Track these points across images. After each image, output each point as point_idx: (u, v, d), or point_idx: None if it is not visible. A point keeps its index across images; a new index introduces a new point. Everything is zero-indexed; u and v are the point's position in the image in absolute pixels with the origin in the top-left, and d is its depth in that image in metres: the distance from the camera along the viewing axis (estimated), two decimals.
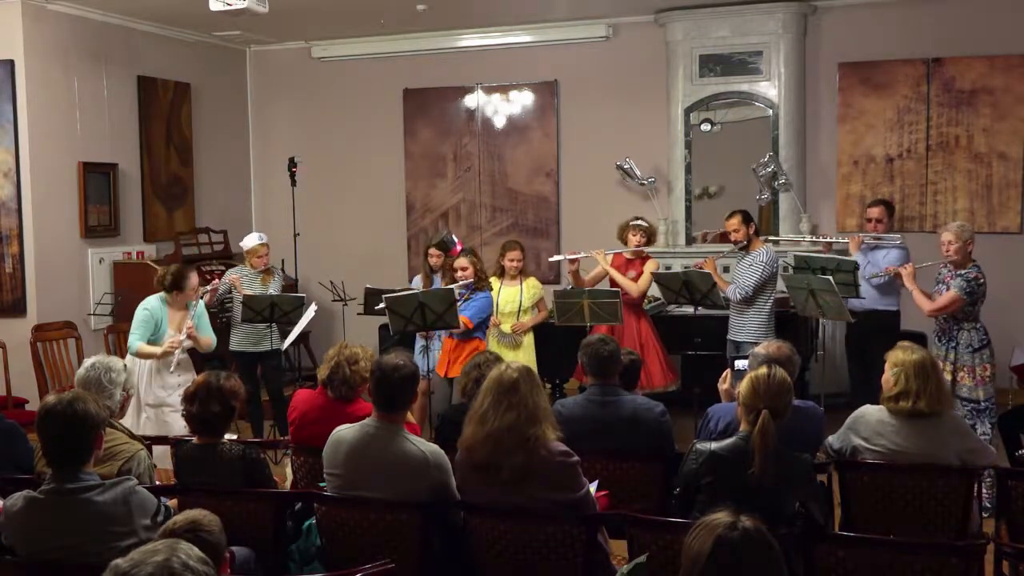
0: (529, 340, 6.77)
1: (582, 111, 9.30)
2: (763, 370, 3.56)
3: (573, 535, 3.41)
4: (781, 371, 3.58)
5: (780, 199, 8.51)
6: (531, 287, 6.80)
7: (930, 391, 3.91)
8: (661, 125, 8.92)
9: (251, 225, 9.85)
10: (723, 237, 7.17)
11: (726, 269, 6.92)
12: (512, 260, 6.76)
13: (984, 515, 4.76)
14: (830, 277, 6.06)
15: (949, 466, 3.88)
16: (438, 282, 7.00)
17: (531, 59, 9.45)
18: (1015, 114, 8.08)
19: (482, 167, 9.71)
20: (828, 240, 7.51)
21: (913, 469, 3.88)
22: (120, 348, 7.16)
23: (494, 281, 6.77)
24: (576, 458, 3.55)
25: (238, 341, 7.09)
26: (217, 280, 7.11)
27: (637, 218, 6.95)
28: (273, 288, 7.15)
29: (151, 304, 5.98)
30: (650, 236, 6.90)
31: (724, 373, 4.47)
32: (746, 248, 6.49)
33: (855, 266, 6.35)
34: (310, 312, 7.01)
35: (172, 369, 5.86)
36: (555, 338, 6.82)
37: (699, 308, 6.56)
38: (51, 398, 3.21)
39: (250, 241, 7.27)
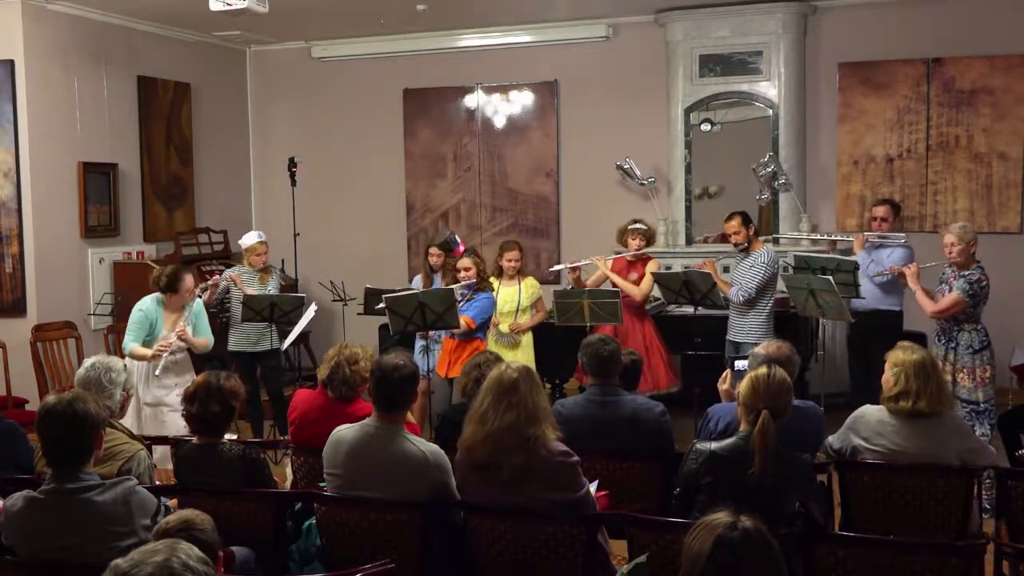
0: (528, 340, 6.77)
1: (582, 111, 9.30)
2: (763, 370, 3.56)
3: (573, 535, 3.41)
4: (781, 371, 3.58)
5: (780, 199, 8.51)
6: (529, 287, 6.80)
7: (930, 391, 3.91)
8: (661, 125, 8.92)
9: (251, 225, 9.83)
10: (723, 238, 7.18)
11: (726, 269, 6.92)
12: (510, 260, 6.76)
13: (984, 515, 4.76)
14: (830, 277, 6.06)
15: (949, 466, 3.88)
16: (438, 282, 6.99)
17: (531, 59, 9.45)
18: (1015, 114, 8.08)
19: (482, 167, 9.71)
20: (833, 239, 7.49)
21: (913, 469, 3.88)
22: (120, 348, 7.16)
23: (492, 281, 6.76)
24: (576, 458, 3.55)
25: (236, 341, 7.09)
26: (217, 276, 7.10)
27: (635, 221, 6.94)
28: (271, 286, 7.15)
29: (145, 305, 5.98)
30: (649, 238, 6.90)
31: (724, 373, 4.47)
32: (747, 250, 6.48)
33: (855, 266, 6.35)
34: (310, 312, 7.01)
35: (157, 372, 5.81)
36: (555, 338, 6.82)
37: (699, 308, 6.56)
38: (51, 398, 3.21)
39: (248, 239, 7.27)
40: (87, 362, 4.29)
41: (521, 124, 9.56)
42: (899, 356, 4.00)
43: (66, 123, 8.02)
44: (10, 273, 7.74)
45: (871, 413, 4.06)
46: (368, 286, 7.54)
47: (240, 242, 7.43)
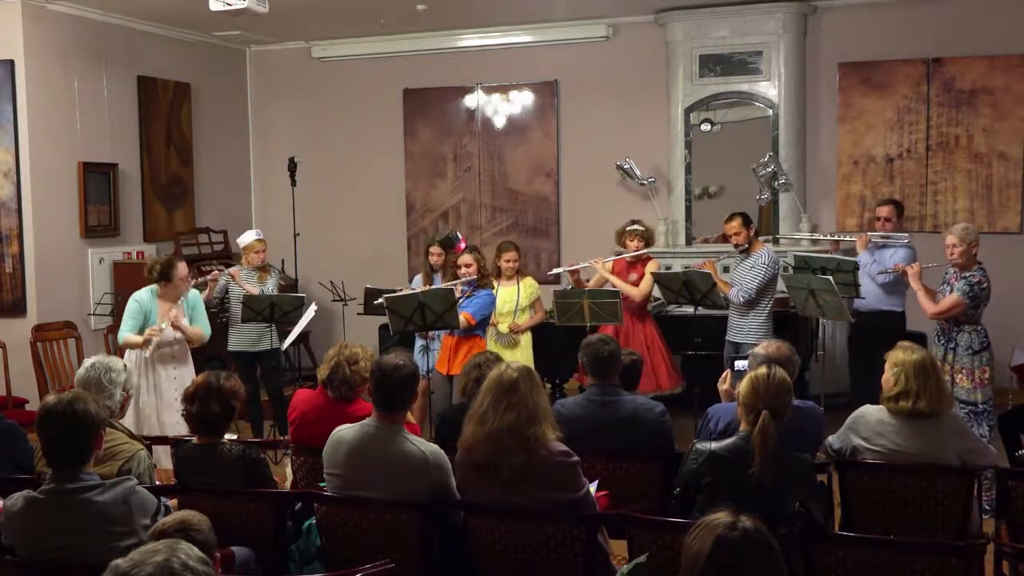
0: (527, 340, 6.77)
1: (582, 111, 9.30)
2: (763, 370, 3.56)
3: (573, 535, 3.40)
4: (781, 371, 3.58)
5: (780, 199, 8.52)
6: (528, 287, 6.80)
7: (930, 391, 3.91)
8: (661, 125, 8.92)
9: (251, 225, 9.83)
10: (723, 239, 7.17)
11: (726, 269, 6.92)
12: (508, 261, 6.76)
13: (984, 516, 4.76)
14: (830, 277, 6.06)
15: (949, 466, 3.88)
16: (438, 282, 6.99)
17: (531, 59, 9.45)
18: (1015, 114, 8.08)
19: (482, 167, 9.71)
20: (836, 239, 7.48)
21: (913, 469, 3.88)
22: (120, 349, 7.16)
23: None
24: (576, 458, 3.55)
25: (236, 341, 7.09)
26: (216, 272, 7.09)
27: (633, 222, 6.94)
28: (270, 284, 7.15)
29: (141, 296, 6.02)
30: (647, 239, 6.89)
31: (724, 373, 4.47)
32: (747, 250, 6.48)
33: (855, 266, 6.35)
34: (310, 312, 7.01)
35: (147, 355, 5.86)
36: (555, 338, 6.81)
37: (699, 308, 6.56)
38: (51, 398, 3.20)
39: (247, 238, 7.28)
40: (87, 362, 4.29)
41: (521, 124, 9.56)
42: (899, 356, 4.00)
43: (66, 123, 8.02)
44: (10, 273, 7.74)
45: (871, 413, 4.06)
46: (368, 286, 7.54)
47: (238, 241, 7.44)
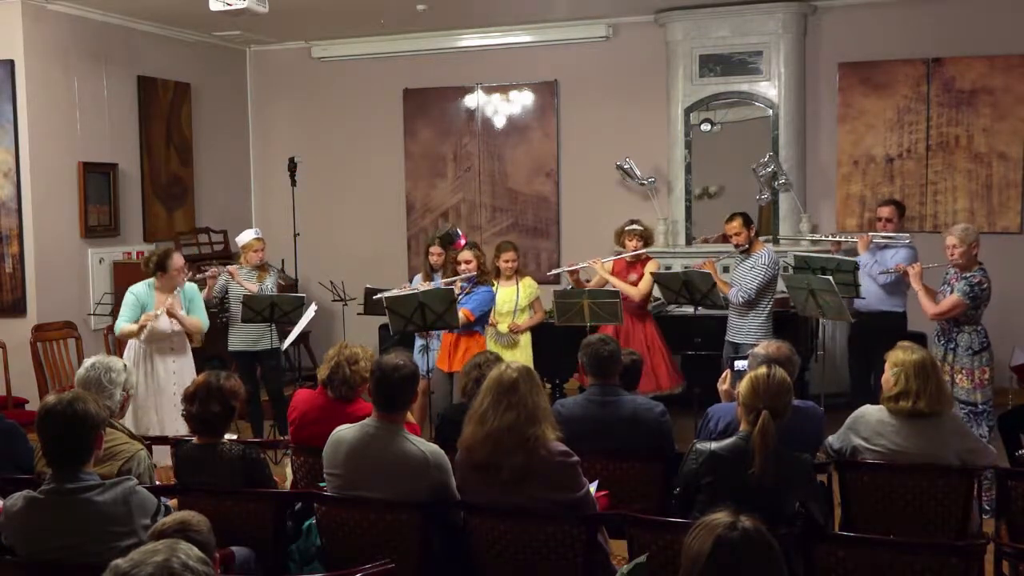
0: (526, 339, 6.78)
1: (582, 111, 9.30)
2: (763, 370, 3.56)
3: (573, 535, 3.40)
4: (781, 371, 3.58)
5: (780, 199, 8.51)
6: (527, 287, 6.80)
7: (930, 391, 3.91)
8: (661, 125, 8.92)
9: (251, 225, 9.83)
10: (724, 239, 7.17)
11: (726, 269, 6.92)
12: (507, 261, 6.77)
13: (984, 516, 4.76)
14: (830, 277, 6.06)
15: (949, 466, 3.87)
16: (439, 282, 6.99)
17: (531, 59, 9.45)
18: (1015, 114, 8.08)
19: (482, 167, 9.71)
20: (837, 239, 7.47)
21: (913, 469, 3.88)
22: (120, 348, 7.16)
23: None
24: (576, 458, 3.55)
25: (236, 341, 7.09)
26: (215, 270, 7.08)
27: (632, 222, 6.94)
28: (269, 283, 7.15)
29: (137, 289, 6.09)
30: (646, 239, 6.89)
31: (724, 373, 4.47)
32: (747, 251, 6.47)
33: (855, 266, 6.35)
34: (310, 312, 7.01)
35: (142, 338, 5.90)
36: (555, 338, 6.81)
37: (699, 308, 6.56)
38: (51, 398, 3.20)
39: (245, 237, 7.29)
40: (87, 362, 4.29)
41: (521, 124, 9.56)
42: (899, 356, 4.00)
43: (66, 123, 8.02)
44: (10, 273, 7.74)
45: (871, 413, 4.06)
46: (368, 286, 7.54)
47: (237, 240, 7.45)
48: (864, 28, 8.47)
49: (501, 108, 9.61)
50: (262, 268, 7.22)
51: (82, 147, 8.13)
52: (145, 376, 5.94)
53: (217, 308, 7.13)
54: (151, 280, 6.10)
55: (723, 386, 4.39)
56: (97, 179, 8.25)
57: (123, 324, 5.99)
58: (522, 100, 9.54)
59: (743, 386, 3.57)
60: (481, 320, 6.53)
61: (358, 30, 9.51)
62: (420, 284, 6.81)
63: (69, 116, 8.04)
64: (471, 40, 9.57)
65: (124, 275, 8.28)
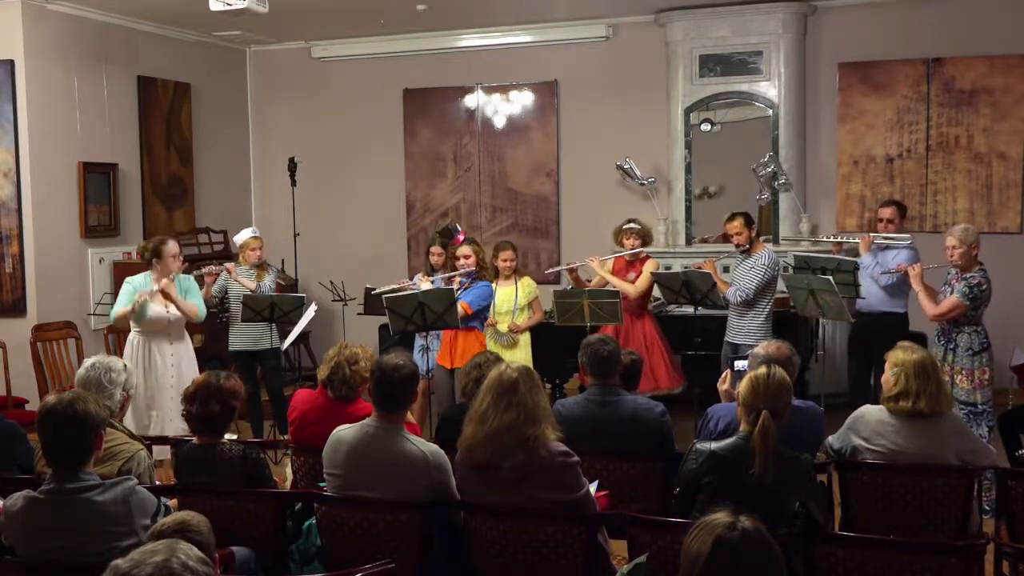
0: (525, 339, 6.78)
1: (582, 111, 9.30)
2: (763, 370, 3.56)
3: (573, 535, 3.40)
4: (781, 371, 3.58)
5: (780, 199, 8.51)
6: (526, 286, 6.80)
7: (930, 391, 3.91)
8: (661, 125, 8.92)
9: (251, 225, 9.84)
10: (724, 238, 7.17)
11: (726, 269, 6.92)
12: (505, 260, 6.77)
13: (984, 516, 4.76)
14: (830, 277, 6.06)
15: (949, 466, 3.87)
16: (439, 280, 6.99)
17: (531, 59, 9.45)
18: (1015, 114, 8.08)
19: (482, 167, 9.71)
20: (839, 240, 7.47)
21: (913, 469, 3.88)
22: (120, 348, 7.16)
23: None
24: (576, 458, 3.55)
25: (236, 341, 7.09)
26: (212, 267, 7.07)
27: (630, 221, 6.94)
28: (267, 282, 7.15)
29: (134, 279, 6.18)
30: (644, 237, 6.89)
31: (724, 373, 4.47)
32: (748, 251, 6.47)
33: (855, 266, 6.34)
34: (310, 312, 7.01)
35: (137, 320, 5.95)
36: (555, 338, 6.81)
37: (699, 308, 6.56)
38: (51, 398, 3.20)
39: (242, 236, 7.30)
40: (87, 362, 4.29)
41: (521, 124, 9.56)
42: (899, 356, 4.00)
43: (66, 123, 8.02)
44: (10, 273, 7.74)
45: (871, 413, 4.06)
46: (368, 286, 7.54)
47: (234, 239, 7.46)
48: (864, 28, 8.47)
49: (501, 108, 9.61)
50: (261, 267, 7.22)
51: (82, 147, 8.13)
52: (144, 372, 5.95)
53: (217, 308, 7.13)
54: (148, 272, 6.17)
55: (723, 386, 4.39)
56: (97, 179, 8.25)
57: (118, 308, 6.07)
58: (522, 100, 9.54)
59: (743, 386, 3.57)
60: (480, 315, 6.54)
61: (358, 30, 9.51)
62: (421, 281, 6.81)
63: (69, 116, 8.04)
64: (471, 40, 9.57)
65: (124, 275, 8.19)
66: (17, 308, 7.72)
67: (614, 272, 6.88)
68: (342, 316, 8.70)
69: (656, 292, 6.94)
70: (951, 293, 5.55)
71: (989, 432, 5.38)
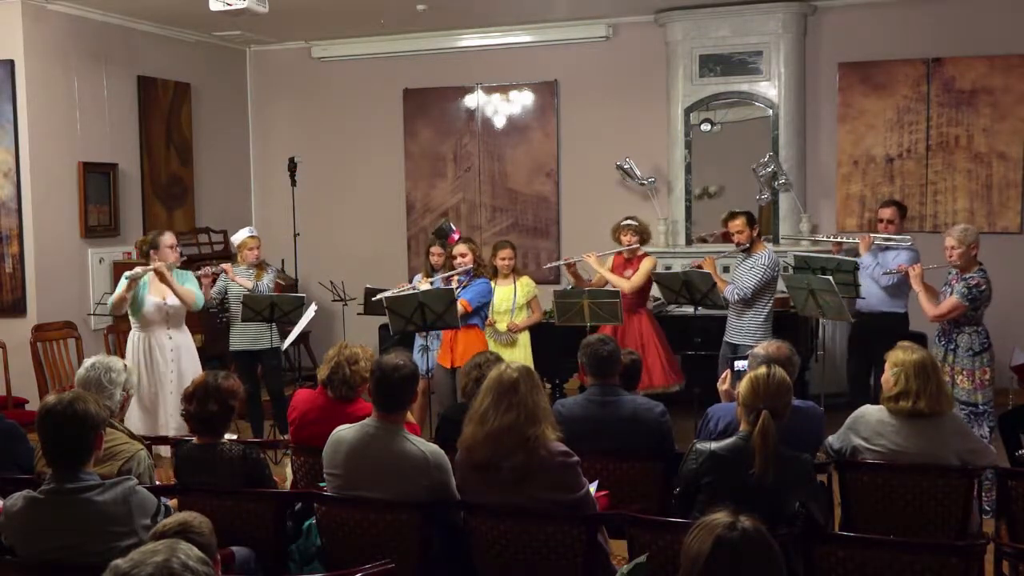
0: (525, 339, 6.78)
1: (582, 111, 9.30)
2: (763, 370, 3.56)
3: (573, 535, 3.40)
4: (781, 371, 3.58)
5: (780, 199, 8.51)
6: (524, 285, 6.81)
7: (930, 391, 3.91)
8: (661, 125, 8.92)
9: (251, 225, 9.84)
10: (724, 237, 7.16)
11: (726, 269, 6.91)
12: (504, 259, 6.78)
13: (984, 516, 4.76)
14: (830, 277, 6.06)
15: (949, 466, 3.87)
16: (438, 280, 6.99)
17: (531, 59, 9.45)
18: (1015, 114, 8.08)
19: (482, 167, 9.71)
20: (839, 240, 7.46)
21: (913, 469, 3.88)
22: (120, 348, 7.17)
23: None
24: (576, 458, 3.55)
25: (237, 340, 7.09)
26: (208, 268, 7.06)
27: (628, 218, 6.95)
28: (266, 281, 7.15)
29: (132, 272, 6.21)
30: (642, 234, 6.89)
31: (724, 373, 4.47)
32: (748, 250, 6.46)
33: (855, 266, 6.34)
34: (310, 312, 7.01)
35: (125, 287, 6.02)
36: (555, 338, 6.81)
37: (699, 308, 6.56)
38: (51, 398, 3.20)
39: (240, 236, 7.31)
40: (87, 362, 4.29)
41: (521, 124, 9.56)
42: (899, 356, 4.00)
43: (66, 123, 8.02)
44: (10, 273, 7.74)
45: (871, 413, 4.06)
46: (368, 286, 7.54)
47: (232, 239, 7.46)
48: (864, 28, 8.47)
49: (501, 108, 9.61)
50: (259, 266, 7.22)
51: (82, 147, 8.13)
52: (145, 370, 5.96)
53: (217, 308, 7.13)
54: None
55: (723, 386, 4.39)
56: (97, 179, 8.25)
57: (114, 295, 6.14)
58: (522, 100, 9.54)
59: (743, 386, 3.57)
60: (479, 312, 6.55)
61: (358, 30, 9.51)
62: (420, 283, 6.81)
63: (69, 116, 8.04)
64: (471, 40, 9.57)
65: (124, 273, 8.30)
66: (17, 308, 7.72)
67: (612, 269, 6.88)
68: (342, 316, 8.71)
69: (656, 292, 6.94)
70: (951, 294, 5.55)
71: (990, 432, 5.38)
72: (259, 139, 10.43)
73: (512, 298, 6.74)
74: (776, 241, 8.38)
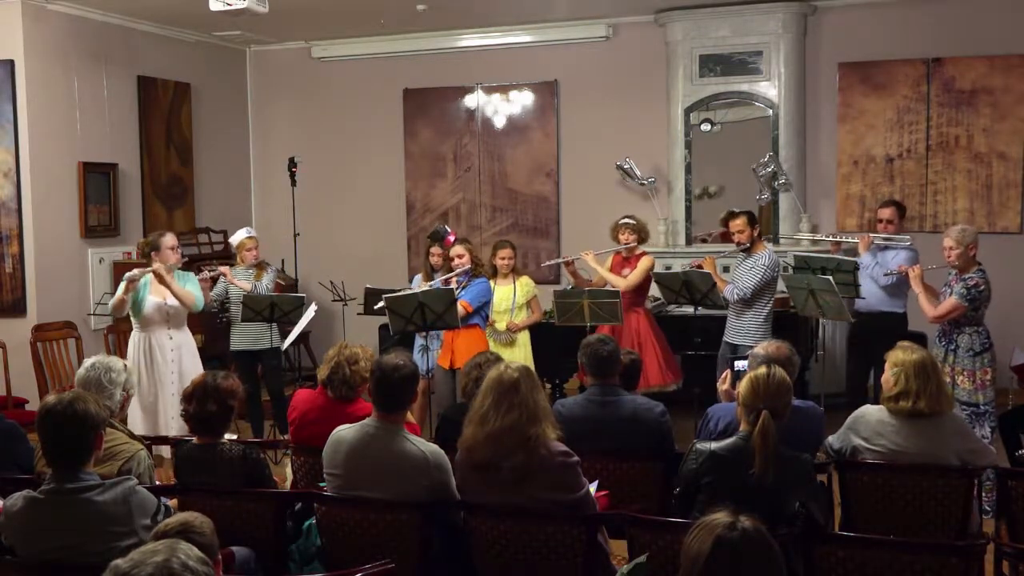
0: (525, 339, 6.78)
1: (582, 111, 9.30)
2: (763, 370, 3.56)
3: (573, 535, 3.40)
4: (781, 371, 3.58)
5: (780, 199, 8.52)
6: (524, 285, 6.81)
7: (930, 391, 3.91)
8: (661, 125, 8.92)
9: (251, 225, 9.85)
10: (724, 237, 7.16)
11: (726, 269, 6.91)
12: (503, 259, 6.79)
13: (984, 516, 4.76)
14: (830, 277, 6.06)
15: (949, 466, 3.87)
16: (438, 281, 7.00)
17: (531, 59, 9.45)
18: (1015, 114, 8.08)
19: (482, 167, 9.71)
20: (838, 240, 7.46)
21: (913, 469, 3.88)
22: (120, 348, 7.17)
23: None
24: (576, 458, 3.55)
25: (237, 341, 7.10)
26: (206, 271, 7.07)
27: (626, 217, 6.96)
28: (266, 281, 7.15)
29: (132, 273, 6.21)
30: (640, 233, 6.89)
31: (724, 373, 4.47)
32: (748, 250, 6.46)
33: (855, 266, 6.34)
34: (310, 312, 7.01)
35: (123, 290, 6.00)
36: (555, 338, 6.81)
37: (699, 308, 6.56)
38: (51, 398, 3.20)
39: (238, 236, 7.32)
40: (87, 362, 4.29)
41: (521, 124, 9.56)
42: (899, 356, 4.00)
43: (66, 123, 8.02)
44: (10, 273, 7.74)
45: (871, 413, 4.06)
46: (368, 286, 7.54)
47: (231, 240, 7.47)
48: (864, 28, 8.47)
49: (501, 108, 9.61)
50: (259, 266, 7.22)
51: (82, 147, 8.13)
52: (146, 370, 5.96)
53: (217, 309, 7.13)
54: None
55: (723, 386, 4.40)
56: (97, 179, 8.25)
57: (115, 297, 6.11)
58: (522, 100, 9.54)
59: (743, 386, 3.57)
60: (479, 312, 6.55)
61: (358, 30, 9.51)
62: (420, 284, 6.82)
63: (69, 116, 8.04)
64: (471, 40, 9.57)
65: (124, 275, 8.30)
66: (17, 308, 7.72)
67: (611, 268, 6.88)
68: (342, 316, 8.71)
69: (656, 292, 6.94)
70: (950, 294, 5.55)
71: (992, 433, 5.38)
72: (259, 139, 10.43)
73: (512, 298, 6.74)
74: (776, 241, 8.38)
